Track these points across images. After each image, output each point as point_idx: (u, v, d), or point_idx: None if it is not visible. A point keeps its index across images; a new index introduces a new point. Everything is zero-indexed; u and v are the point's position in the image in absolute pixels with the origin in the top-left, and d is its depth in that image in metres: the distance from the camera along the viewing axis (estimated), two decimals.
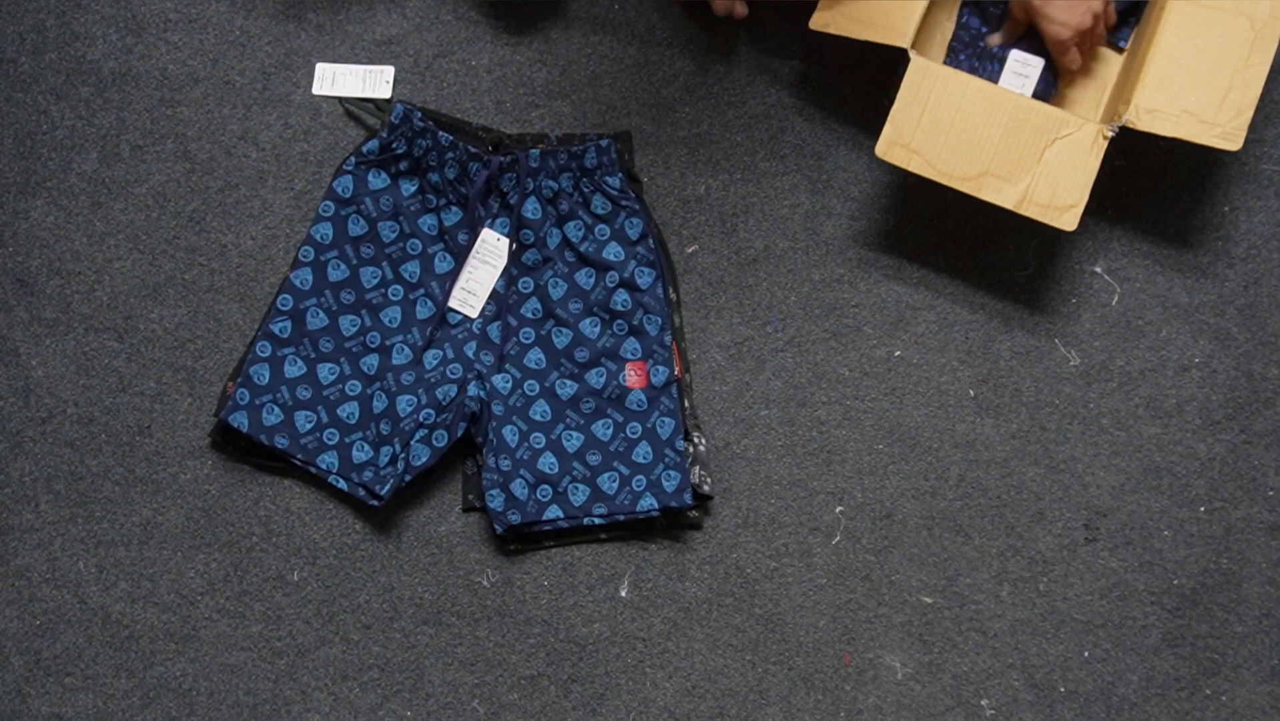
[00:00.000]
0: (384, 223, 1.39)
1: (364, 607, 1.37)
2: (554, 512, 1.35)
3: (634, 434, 1.36)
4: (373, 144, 1.38)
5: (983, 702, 1.34)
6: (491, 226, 1.39)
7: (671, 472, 1.35)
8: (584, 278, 1.38)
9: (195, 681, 1.37)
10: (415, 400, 1.36)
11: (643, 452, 1.36)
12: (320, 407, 1.37)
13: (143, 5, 1.47)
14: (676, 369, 1.37)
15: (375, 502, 1.35)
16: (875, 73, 1.42)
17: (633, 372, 1.37)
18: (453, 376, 1.37)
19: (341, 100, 1.44)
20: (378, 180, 1.39)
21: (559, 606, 1.37)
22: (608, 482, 1.35)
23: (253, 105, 1.45)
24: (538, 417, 1.37)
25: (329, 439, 1.36)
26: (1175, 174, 1.40)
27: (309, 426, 1.37)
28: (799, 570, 1.37)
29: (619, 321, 1.37)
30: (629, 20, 1.45)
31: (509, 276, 1.38)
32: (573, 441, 1.36)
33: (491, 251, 1.38)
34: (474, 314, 1.38)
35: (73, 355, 1.42)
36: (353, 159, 1.39)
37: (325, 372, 1.38)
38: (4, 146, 1.45)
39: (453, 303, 1.38)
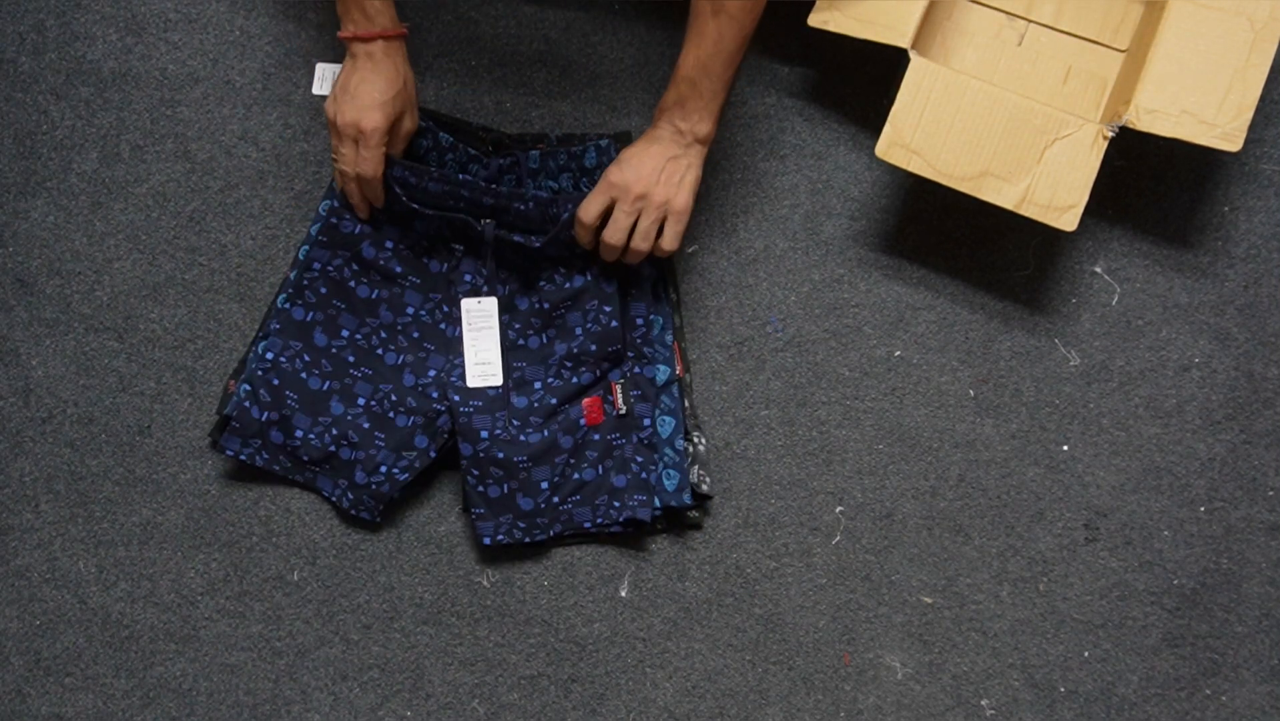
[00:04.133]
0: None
1: (364, 607, 1.37)
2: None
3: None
4: None
5: (983, 702, 1.34)
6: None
7: (671, 472, 1.35)
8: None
9: (195, 681, 1.37)
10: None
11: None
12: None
13: (143, 5, 1.47)
14: (677, 369, 1.37)
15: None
16: (875, 73, 1.42)
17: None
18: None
19: None
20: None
21: (559, 606, 1.37)
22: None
23: (253, 105, 1.45)
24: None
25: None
26: (1175, 174, 1.40)
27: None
28: (799, 570, 1.37)
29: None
30: (629, 20, 1.45)
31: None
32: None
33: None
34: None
35: (73, 355, 1.42)
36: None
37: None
38: (4, 146, 1.45)
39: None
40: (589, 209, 1.26)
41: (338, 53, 1.46)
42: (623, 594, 1.37)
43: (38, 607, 1.39)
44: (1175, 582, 1.35)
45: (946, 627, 1.35)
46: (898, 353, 1.39)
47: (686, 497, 1.34)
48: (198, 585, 1.38)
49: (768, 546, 1.37)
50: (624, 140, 1.41)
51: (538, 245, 1.31)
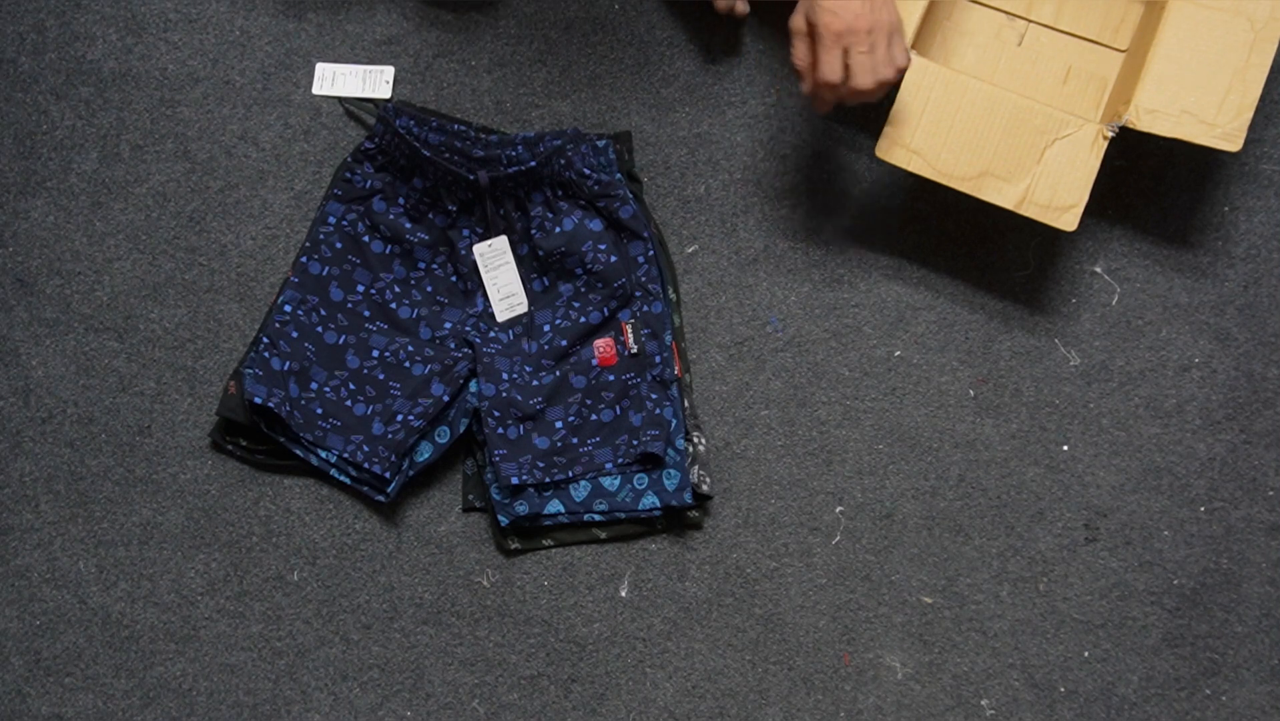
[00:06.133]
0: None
1: (364, 607, 1.37)
2: (555, 507, 1.35)
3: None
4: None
5: (983, 702, 1.34)
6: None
7: (672, 472, 1.35)
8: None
9: (195, 681, 1.37)
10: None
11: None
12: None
13: (143, 5, 1.47)
14: (676, 369, 1.37)
15: (381, 497, 1.35)
16: None
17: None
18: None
19: (341, 100, 1.45)
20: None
21: (559, 606, 1.37)
22: (609, 482, 1.35)
23: (253, 105, 1.45)
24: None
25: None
26: (1175, 174, 1.40)
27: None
28: (799, 570, 1.37)
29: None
30: (629, 20, 1.45)
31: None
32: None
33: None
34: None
35: (73, 355, 1.42)
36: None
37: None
38: (4, 146, 1.45)
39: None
40: (832, 69, 1.19)
41: (338, 52, 1.46)
42: (623, 594, 1.37)
43: (38, 607, 1.39)
44: (1175, 582, 1.35)
45: (946, 627, 1.35)
46: (898, 352, 1.39)
47: (687, 497, 1.35)
48: (198, 585, 1.38)
49: (768, 546, 1.37)
50: (624, 140, 1.42)
51: (533, 164, 1.34)
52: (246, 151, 1.45)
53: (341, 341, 1.38)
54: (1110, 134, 1.26)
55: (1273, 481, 1.36)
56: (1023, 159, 1.28)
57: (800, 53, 1.22)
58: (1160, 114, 1.26)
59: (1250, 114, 1.25)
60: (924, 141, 1.29)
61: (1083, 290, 1.39)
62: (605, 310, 1.37)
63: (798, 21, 1.21)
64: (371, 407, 1.37)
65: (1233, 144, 1.25)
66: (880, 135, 1.29)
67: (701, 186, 1.42)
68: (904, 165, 1.29)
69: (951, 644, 1.35)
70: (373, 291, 1.39)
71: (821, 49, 1.19)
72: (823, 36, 1.18)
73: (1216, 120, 1.25)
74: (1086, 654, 1.35)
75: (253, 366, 1.35)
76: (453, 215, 1.37)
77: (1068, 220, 1.26)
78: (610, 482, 1.35)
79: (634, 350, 1.37)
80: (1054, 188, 1.27)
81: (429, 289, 1.40)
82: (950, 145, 1.28)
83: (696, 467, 1.37)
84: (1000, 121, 1.28)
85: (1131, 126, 1.26)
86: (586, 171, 1.36)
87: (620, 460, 1.35)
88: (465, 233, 1.38)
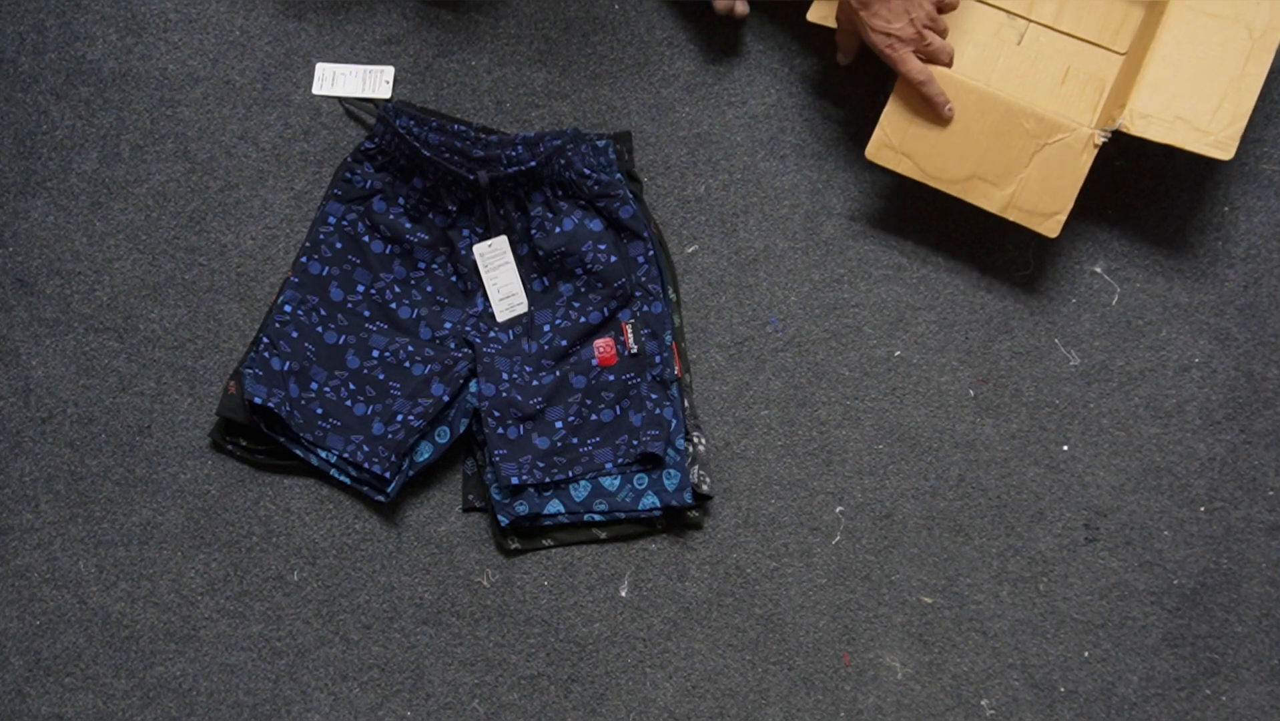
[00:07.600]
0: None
1: (364, 607, 1.38)
2: (555, 507, 1.35)
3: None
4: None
5: (983, 702, 1.34)
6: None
7: (672, 472, 1.35)
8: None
9: (195, 681, 1.37)
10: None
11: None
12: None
13: (143, 5, 1.47)
14: (676, 369, 1.37)
15: (381, 498, 1.35)
16: (875, 73, 1.42)
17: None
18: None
19: (341, 100, 1.45)
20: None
21: (559, 606, 1.37)
22: (609, 482, 1.35)
23: (253, 105, 1.45)
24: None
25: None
26: (1175, 174, 1.40)
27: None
28: (799, 570, 1.37)
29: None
30: (629, 20, 1.45)
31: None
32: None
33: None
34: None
35: (73, 355, 1.42)
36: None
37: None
38: (4, 146, 1.45)
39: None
40: (923, 70, 1.28)
41: (338, 52, 1.46)
42: (623, 594, 1.37)
43: (38, 607, 1.39)
44: (1175, 582, 1.35)
45: (946, 627, 1.35)
46: (898, 352, 1.39)
47: (687, 497, 1.35)
48: (198, 585, 1.39)
49: (768, 546, 1.37)
50: (624, 140, 1.42)
51: (533, 164, 1.34)
52: (246, 151, 1.45)
53: (341, 341, 1.38)
54: (1102, 140, 1.26)
55: (1273, 481, 1.36)
56: (1011, 163, 1.27)
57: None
58: (1154, 119, 1.26)
59: (1244, 123, 1.24)
60: (914, 144, 1.29)
61: (1083, 290, 1.39)
62: (605, 310, 1.37)
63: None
64: (371, 407, 1.37)
65: (1225, 152, 1.25)
66: (871, 137, 1.29)
67: (701, 186, 1.42)
68: (893, 167, 1.29)
69: (951, 644, 1.35)
70: (373, 291, 1.39)
71: (901, 67, 1.28)
72: (891, 58, 1.28)
73: (1210, 127, 1.25)
74: (1086, 654, 1.35)
75: (253, 366, 1.35)
76: (453, 215, 1.38)
77: (1050, 226, 1.26)
78: (610, 482, 1.36)
79: (634, 350, 1.37)
80: (1040, 193, 1.27)
81: (429, 289, 1.40)
82: (940, 148, 1.28)
83: (696, 467, 1.37)
84: (991, 124, 1.28)
85: (1125, 131, 1.26)
86: (586, 171, 1.36)
87: (620, 460, 1.35)
88: (465, 233, 1.38)
